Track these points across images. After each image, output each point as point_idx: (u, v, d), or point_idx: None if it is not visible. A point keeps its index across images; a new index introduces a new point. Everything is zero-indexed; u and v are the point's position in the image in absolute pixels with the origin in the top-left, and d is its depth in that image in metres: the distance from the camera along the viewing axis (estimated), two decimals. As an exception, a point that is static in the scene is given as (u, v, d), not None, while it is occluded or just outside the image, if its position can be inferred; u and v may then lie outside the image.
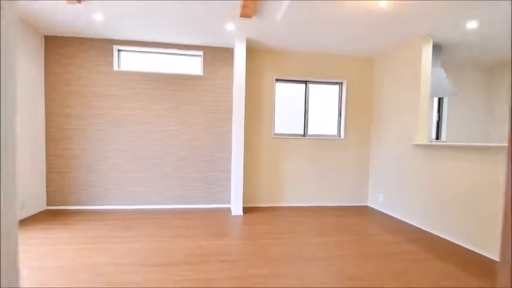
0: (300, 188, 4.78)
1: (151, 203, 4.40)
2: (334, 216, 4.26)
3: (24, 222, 3.58)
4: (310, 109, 4.88)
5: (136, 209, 4.30)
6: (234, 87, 4.22)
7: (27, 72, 3.79)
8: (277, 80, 4.74)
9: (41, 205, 4.10)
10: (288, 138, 4.72)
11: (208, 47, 4.39)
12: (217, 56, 4.42)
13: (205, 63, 4.41)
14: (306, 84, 4.85)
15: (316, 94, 4.92)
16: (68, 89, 4.14)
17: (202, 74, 4.41)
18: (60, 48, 4.10)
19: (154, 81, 4.31)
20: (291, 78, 4.72)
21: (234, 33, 3.93)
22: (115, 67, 4.24)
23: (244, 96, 4.10)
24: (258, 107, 4.60)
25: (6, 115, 0.77)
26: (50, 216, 3.86)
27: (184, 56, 4.49)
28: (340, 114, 4.98)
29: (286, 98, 4.83)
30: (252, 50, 4.53)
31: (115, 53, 4.24)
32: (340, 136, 4.96)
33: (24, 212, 3.74)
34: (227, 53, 4.45)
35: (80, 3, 3.13)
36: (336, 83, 4.95)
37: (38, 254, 2.68)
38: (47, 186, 4.18)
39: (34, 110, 3.95)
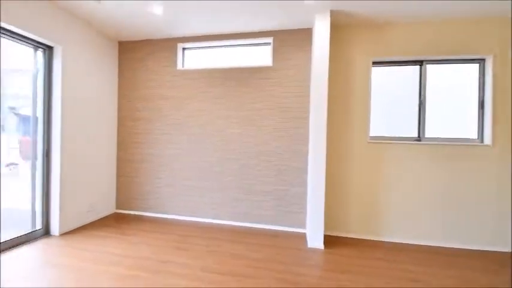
0: (412, 217, 3.21)
1: (211, 216, 3.76)
2: (480, 270, 2.55)
3: (93, 225, 3.51)
4: (428, 100, 3.30)
5: (194, 222, 3.74)
6: (312, 76, 3.17)
7: (106, 78, 3.84)
8: (374, 63, 3.40)
9: (111, 208, 4.06)
10: (392, 144, 3.27)
11: (279, 31, 3.50)
12: (289, 40, 3.48)
13: (276, 51, 3.52)
14: (420, 65, 3.31)
15: (438, 78, 3.29)
16: (137, 92, 4.02)
17: (271, 64, 3.54)
18: (131, 53, 4.04)
19: (217, 78, 3.71)
20: (398, 58, 3.29)
21: (314, 7, 2.91)
22: (179, 66, 3.88)
23: (327, 87, 2.98)
24: (345, 101, 3.37)
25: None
26: (113, 221, 3.71)
27: (251, 47, 3.73)
28: (482, 107, 3.18)
29: (388, 87, 3.41)
30: (338, 27, 3.37)
31: (179, 52, 3.89)
32: (482, 140, 3.15)
33: (94, 214, 3.71)
34: (302, 35, 3.44)
35: None
36: (474, 61, 3.20)
37: (65, 277, 2.32)
38: (116, 190, 4.13)
39: (110, 115, 3.97)
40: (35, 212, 3.11)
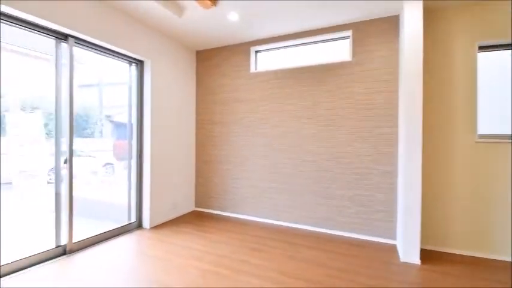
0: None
1: (286, 219, 3.64)
2: None
3: (175, 221, 3.76)
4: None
5: (270, 224, 3.66)
6: (402, 69, 2.81)
7: (185, 85, 4.12)
8: (481, 48, 2.84)
9: (190, 206, 4.29)
10: (508, 143, 2.66)
11: (359, 22, 3.23)
12: (371, 31, 3.17)
13: (355, 45, 3.25)
14: (549, 44, 2.63)
15: None
16: (214, 97, 4.19)
17: (350, 59, 3.28)
18: (207, 60, 4.25)
19: (290, 77, 3.61)
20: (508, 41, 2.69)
21: (400, -13, 2.59)
22: (252, 69, 3.92)
23: (421, 80, 2.60)
24: (444, 94, 2.89)
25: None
26: (193, 219, 3.90)
27: (326, 43, 3.53)
28: None
29: (499, 75, 2.80)
30: (431, 11, 2.94)
31: (252, 55, 3.92)
32: None
33: (176, 212, 3.97)
34: (387, 24, 3.10)
35: (214, 5, 2.91)
36: None
37: (155, 267, 2.46)
38: (195, 190, 4.35)
39: (189, 120, 4.24)
40: (131, 206, 3.47)
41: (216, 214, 4.12)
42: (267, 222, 3.74)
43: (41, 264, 2.44)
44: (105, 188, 4.09)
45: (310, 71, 3.48)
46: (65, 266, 2.46)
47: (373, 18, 3.15)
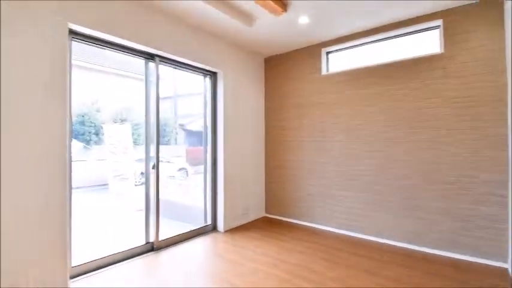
0: None
1: (364, 231, 3.33)
2: None
3: (247, 226, 3.81)
4: None
5: (344, 235, 3.42)
6: (508, 58, 2.32)
7: (255, 93, 4.20)
8: None
9: (260, 212, 4.30)
10: None
11: (450, 10, 2.81)
12: (466, 19, 2.72)
13: (447, 35, 2.83)
14: None
15: None
16: (283, 102, 4.15)
17: (441, 51, 2.87)
18: (276, 66, 4.25)
19: (366, 77, 3.34)
20: None
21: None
22: (323, 71, 3.76)
23: None
24: None
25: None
26: (264, 225, 3.89)
27: (410, 36, 3.18)
28: None
29: None
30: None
31: (323, 57, 3.77)
32: None
33: (247, 217, 4.01)
34: (486, 10, 2.62)
35: (285, 11, 2.88)
36: None
37: (231, 271, 2.49)
38: (265, 196, 4.35)
39: (259, 126, 4.29)
40: (206, 210, 3.64)
41: (287, 221, 4.03)
42: (341, 233, 3.50)
43: (133, 259, 2.71)
44: (181, 191, 4.42)
45: (393, 68, 3.16)
46: (153, 261, 2.69)
47: (467, 3, 2.70)
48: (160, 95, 3.00)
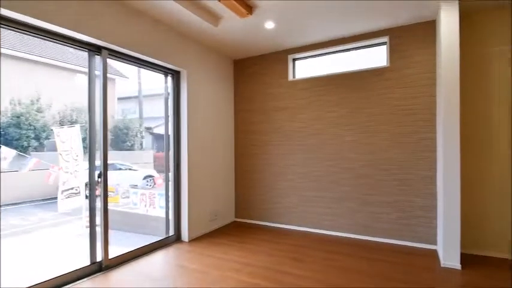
0: None
1: (327, 228, 3.52)
2: None
3: (215, 233, 3.63)
4: None
5: (310, 233, 3.56)
6: (440, 74, 2.70)
7: (223, 95, 4.00)
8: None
9: (230, 217, 4.14)
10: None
11: (395, 28, 3.15)
12: (409, 37, 3.09)
13: (392, 50, 3.17)
14: None
15: None
16: (252, 106, 4.07)
17: (387, 64, 3.19)
18: (245, 69, 4.14)
19: (328, 85, 3.52)
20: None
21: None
22: (290, 77, 3.82)
23: (458, 82, 2.49)
24: (481, 100, 2.80)
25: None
26: (233, 230, 3.76)
27: (363, 50, 3.46)
28: None
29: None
30: (468, 14, 2.85)
31: (290, 63, 3.83)
32: None
33: (216, 223, 3.81)
34: (424, 29, 3.02)
35: (250, 14, 2.78)
36: None
37: (194, 282, 2.34)
38: (235, 200, 4.21)
39: (228, 129, 4.12)
40: (169, 219, 3.31)
41: (256, 224, 3.98)
42: (307, 231, 3.61)
43: (75, 283, 2.27)
44: (145, 201, 3.95)
45: (348, 78, 3.40)
46: (100, 283, 2.31)
47: (409, 23, 3.06)
48: (122, 95, 2.58)
